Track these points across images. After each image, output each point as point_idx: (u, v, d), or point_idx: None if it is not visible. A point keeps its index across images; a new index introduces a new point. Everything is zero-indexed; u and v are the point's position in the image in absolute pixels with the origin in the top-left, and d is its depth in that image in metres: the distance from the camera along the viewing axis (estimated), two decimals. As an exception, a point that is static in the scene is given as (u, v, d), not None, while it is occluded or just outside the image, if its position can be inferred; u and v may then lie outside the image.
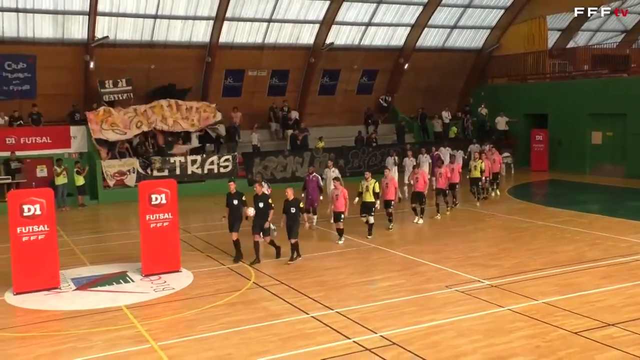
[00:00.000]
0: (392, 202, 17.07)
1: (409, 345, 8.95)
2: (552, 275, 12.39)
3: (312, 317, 10.35)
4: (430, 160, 23.28)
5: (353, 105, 31.48)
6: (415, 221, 17.89)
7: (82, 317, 10.81)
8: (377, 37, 31.11)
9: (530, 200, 22.31)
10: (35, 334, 10.14)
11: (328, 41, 29.31)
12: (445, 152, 25.09)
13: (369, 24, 30.18)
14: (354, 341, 9.21)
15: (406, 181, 21.61)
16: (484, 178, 20.93)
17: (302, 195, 17.20)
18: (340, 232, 15.69)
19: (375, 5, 29.27)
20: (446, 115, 31.84)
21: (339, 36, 29.86)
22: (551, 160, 29.37)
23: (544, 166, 29.44)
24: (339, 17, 28.93)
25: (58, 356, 9.16)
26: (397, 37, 31.48)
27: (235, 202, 13.96)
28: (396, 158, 23.83)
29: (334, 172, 18.33)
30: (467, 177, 21.13)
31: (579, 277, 12.27)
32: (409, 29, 31.19)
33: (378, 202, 16.31)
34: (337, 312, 10.53)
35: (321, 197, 17.71)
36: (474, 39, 33.67)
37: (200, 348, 9.19)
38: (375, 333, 9.48)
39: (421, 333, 9.45)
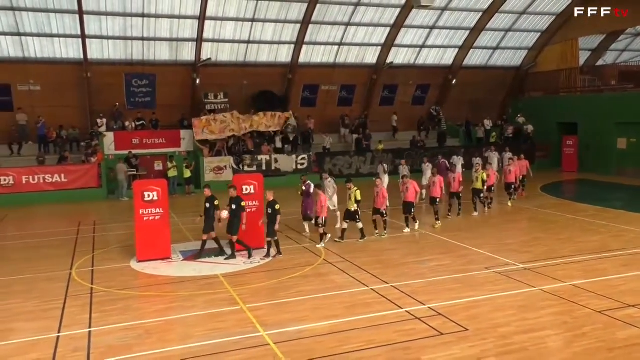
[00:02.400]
0: (384, 212, 14.65)
1: (453, 316, 8.81)
2: (579, 262, 11.88)
3: (372, 289, 10.33)
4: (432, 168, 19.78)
5: (408, 114, 31.05)
6: (404, 231, 15.15)
7: (187, 282, 11.17)
8: (430, 57, 30.63)
9: (561, 197, 21.34)
10: (152, 293, 10.60)
11: (388, 61, 29.15)
12: (457, 160, 22.13)
13: (422, 46, 29.79)
14: (406, 311, 9.15)
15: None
16: (485, 188, 17.79)
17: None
18: (320, 237, 13.94)
19: (428, 30, 28.97)
20: (488, 123, 31.14)
21: (398, 56, 29.59)
22: (580, 163, 28.17)
23: (573, 167, 28.23)
24: (398, 41, 28.68)
25: (169, 312, 9.53)
26: (447, 57, 30.96)
27: (207, 205, 12.67)
28: (386, 166, 20.56)
29: (329, 182, 16.44)
30: (471, 187, 18.88)
31: (602, 263, 11.72)
32: (457, 50, 30.64)
33: (356, 206, 13.98)
34: (392, 286, 10.47)
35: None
36: (513, 58, 32.68)
37: (281, 311, 9.33)
38: (424, 305, 9.38)
39: (463, 306, 9.28)
